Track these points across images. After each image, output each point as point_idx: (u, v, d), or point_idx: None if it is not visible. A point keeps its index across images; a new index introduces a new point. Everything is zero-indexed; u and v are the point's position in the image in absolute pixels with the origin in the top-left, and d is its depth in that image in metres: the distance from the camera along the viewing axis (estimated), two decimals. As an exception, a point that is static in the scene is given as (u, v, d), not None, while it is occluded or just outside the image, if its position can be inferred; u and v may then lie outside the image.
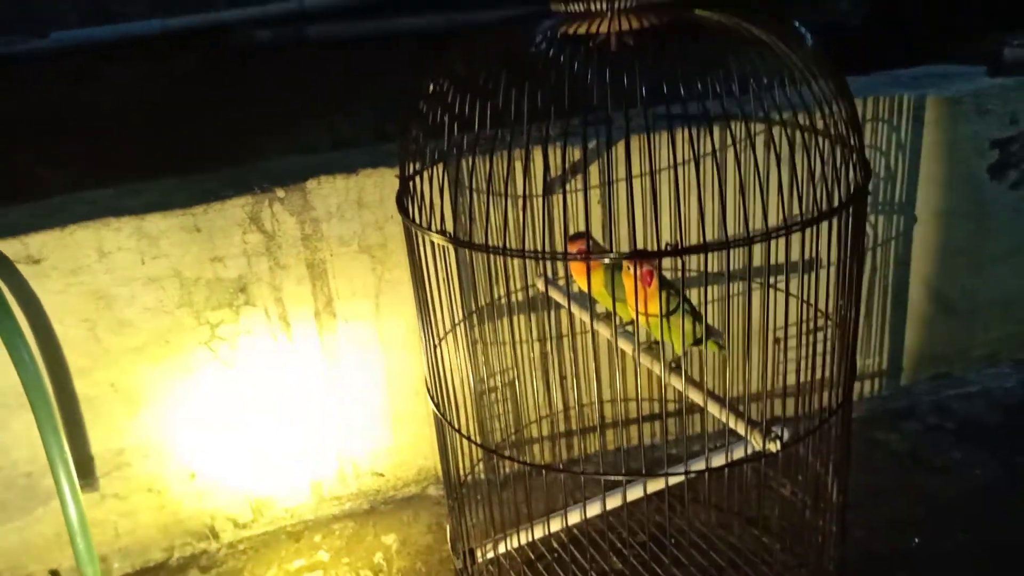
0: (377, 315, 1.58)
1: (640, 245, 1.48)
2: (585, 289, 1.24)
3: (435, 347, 1.26)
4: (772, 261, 1.04)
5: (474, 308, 1.48)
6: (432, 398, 1.29)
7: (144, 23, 2.70)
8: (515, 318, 1.56)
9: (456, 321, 1.33)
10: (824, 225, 1.03)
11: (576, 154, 1.49)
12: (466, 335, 1.43)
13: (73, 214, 1.41)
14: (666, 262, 1.50)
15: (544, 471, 1.28)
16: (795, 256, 1.11)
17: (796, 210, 1.02)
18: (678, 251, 0.98)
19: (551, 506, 1.38)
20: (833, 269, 1.11)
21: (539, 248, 1.03)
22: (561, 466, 1.67)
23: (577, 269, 1.24)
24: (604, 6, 1.03)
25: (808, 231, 1.00)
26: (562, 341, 1.62)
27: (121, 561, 1.57)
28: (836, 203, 1.03)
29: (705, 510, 1.53)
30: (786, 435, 1.09)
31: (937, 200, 1.76)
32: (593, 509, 1.30)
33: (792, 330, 1.50)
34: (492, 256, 1.04)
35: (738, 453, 1.15)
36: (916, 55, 1.98)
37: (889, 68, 1.89)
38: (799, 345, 1.37)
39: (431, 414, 1.34)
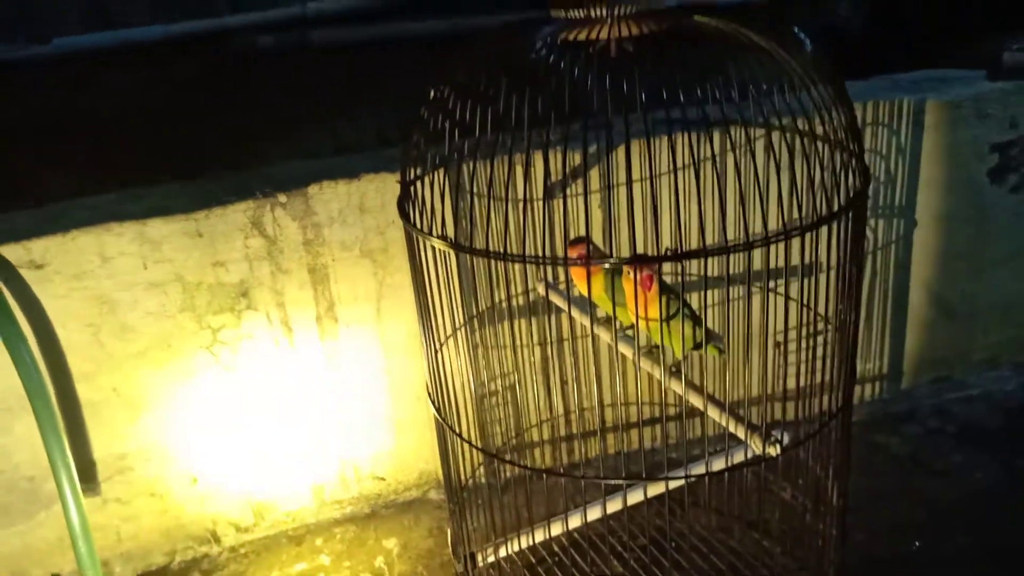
0: (378, 319, 1.59)
1: (640, 250, 1.49)
2: (585, 293, 1.24)
3: (436, 351, 1.27)
4: (772, 265, 1.04)
5: (475, 312, 1.49)
6: (433, 402, 1.30)
7: (146, 29, 2.71)
8: (516, 322, 1.56)
9: (457, 325, 1.33)
10: (824, 229, 1.03)
11: (576, 159, 1.49)
12: (467, 339, 1.43)
13: (75, 219, 1.41)
14: (666, 266, 1.50)
15: (545, 475, 1.28)
16: (795, 260, 1.11)
17: (796, 215, 1.02)
18: (678, 256, 0.98)
19: (552, 510, 1.38)
20: (833, 273, 1.12)
21: (540, 253, 1.03)
22: (562, 470, 1.67)
23: (577, 274, 1.25)
24: (604, 13, 1.04)
25: (808, 236, 1.01)
26: (563, 345, 1.63)
27: (123, 565, 1.57)
28: (836, 208, 1.04)
29: (705, 514, 1.53)
30: (786, 439, 1.10)
31: (937, 204, 1.77)
32: (594, 513, 1.30)
33: (792, 334, 1.50)
34: (493, 261, 1.05)
35: (738, 457, 1.16)
36: (916, 59, 1.99)
37: (889, 72, 1.89)
38: (799, 349, 1.37)
39: (432, 418, 1.34)
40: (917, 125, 1.71)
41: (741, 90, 1.00)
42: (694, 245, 1.46)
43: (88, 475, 1.49)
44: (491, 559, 1.39)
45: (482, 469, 1.45)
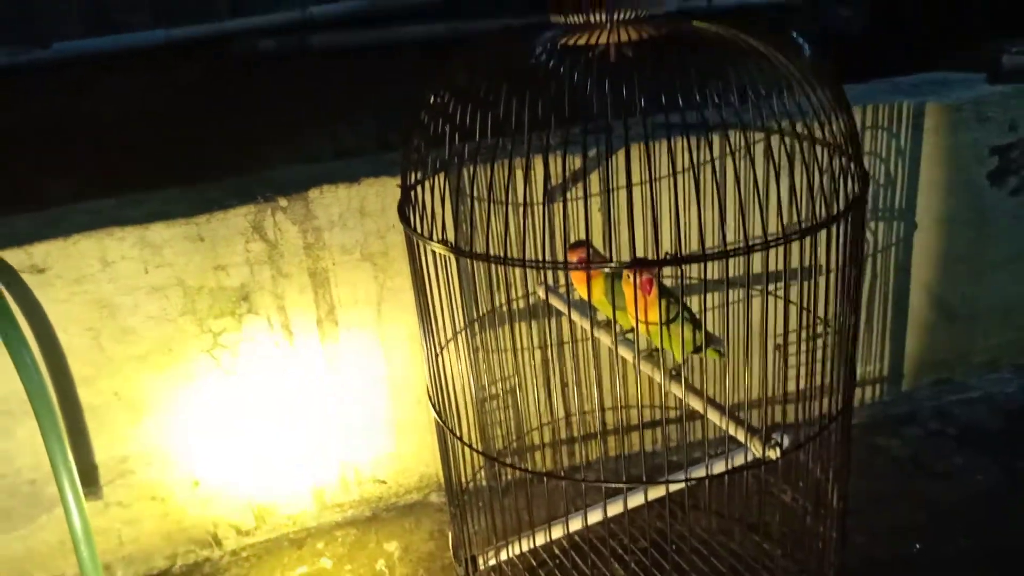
0: (379, 323, 1.59)
1: (640, 253, 1.49)
2: (586, 297, 1.25)
3: (436, 355, 1.27)
4: (771, 268, 1.04)
5: (475, 316, 1.49)
6: (434, 406, 1.30)
7: (147, 33, 2.72)
8: (516, 325, 1.57)
9: (458, 329, 1.33)
10: (823, 233, 1.03)
11: (576, 163, 1.49)
12: (467, 343, 1.43)
13: (77, 224, 1.42)
14: (666, 270, 1.50)
15: (545, 478, 1.29)
16: (794, 264, 1.12)
17: (795, 218, 1.03)
18: (677, 260, 0.99)
19: (552, 513, 1.39)
20: (832, 276, 1.12)
21: (540, 256, 1.04)
22: (562, 473, 1.67)
23: (577, 277, 1.25)
24: (603, 18, 1.04)
25: (807, 239, 1.01)
26: (563, 348, 1.63)
27: (125, 569, 1.57)
28: (835, 211, 1.04)
29: (706, 516, 1.54)
30: (786, 442, 1.10)
31: (937, 207, 1.77)
32: (594, 516, 1.31)
33: (792, 337, 1.51)
34: (493, 264, 1.05)
35: (738, 460, 1.16)
36: (916, 62, 1.99)
37: (889, 75, 1.90)
38: (799, 352, 1.37)
39: (433, 421, 1.35)
40: (917, 128, 1.71)
41: (740, 95, 1.00)
42: (694, 248, 1.46)
43: (89, 479, 1.49)
44: (492, 562, 1.40)
45: (483, 472, 1.46)
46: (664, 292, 1.14)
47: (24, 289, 1.38)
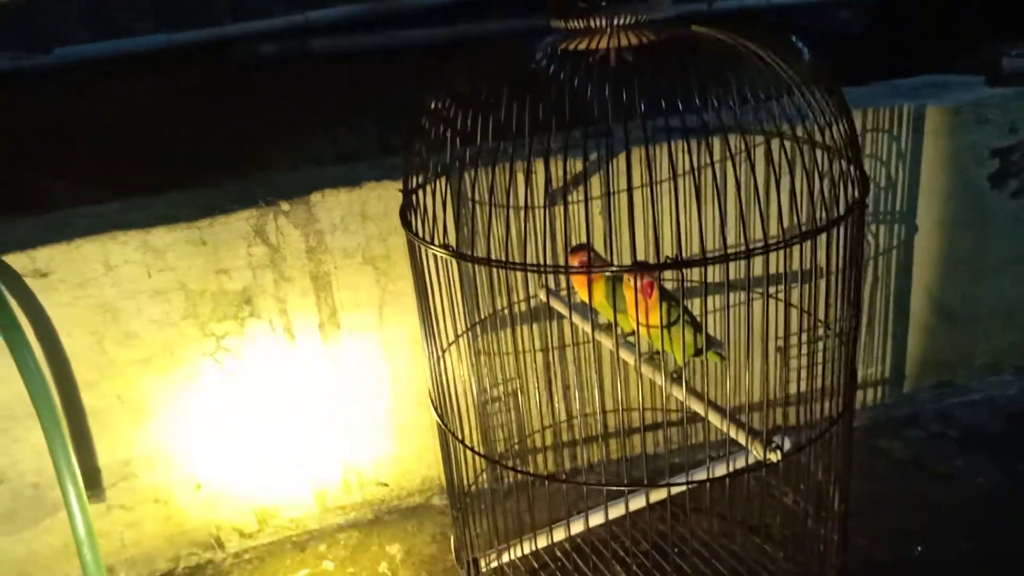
0: (381, 326, 1.59)
1: (641, 256, 1.49)
2: (587, 300, 1.25)
3: (438, 358, 1.27)
4: (772, 271, 1.05)
5: (477, 319, 1.49)
6: (435, 409, 1.30)
7: (149, 38, 2.72)
8: (518, 328, 1.57)
9: (459, 332, 1.34)
10: (823, 236, 1.04)
11: (577, 166, 1.50)
12: (469, 346, 1.44)
13: (80, 228, 1.42)
14: (667, 273, 1.51)
15: (547, 481, 1.29)
16: (795, 266, 1.12)
17: (795, 221, 1.03)
18: (678, 264, 0.99)
19: (554, 515, 1.39)
20: (833, 279, 1.12)
21: (541, 260, 1.04)
22: (564, 476, 1.67)
23: (578, 281, 1.26)
24: (604, 23, 1.05)
25: (807, 243, 1.01)
26: (565, 351, 1.63)
27: (127, 571, 1.57)
28: (835, 215, 1.04)
29: (707, 519, 1.54)
30: (787, 444, 1.10)
31: (938, 209, 1.77)
32: (596, 518, 1.31)
33: (792, 340, 1.51)
34: (495, 268, 1.05)
35: (740, 463, 1.16)
36: (916, 65, 1.99)
37: (889, 78, 1.90)
38: (800, 355, 1.37)
39: (434, 424, 1.35)
40: (917, 131, 1.71)
41: (740, 99, 1.01)
42: (694, 251, 1.46)
43: (93, 482, 1.49)
44: (494, 564, 1.40)
45: (485, 475, 1.46)
46: (665, 295, 1.14)
47: (27, 293, 1.38)
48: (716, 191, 1.00)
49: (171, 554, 1.60)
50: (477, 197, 1.48)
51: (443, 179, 1.16)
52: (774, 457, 1.09)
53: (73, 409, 1.45)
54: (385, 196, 1.52)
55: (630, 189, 1.12)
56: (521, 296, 1.55)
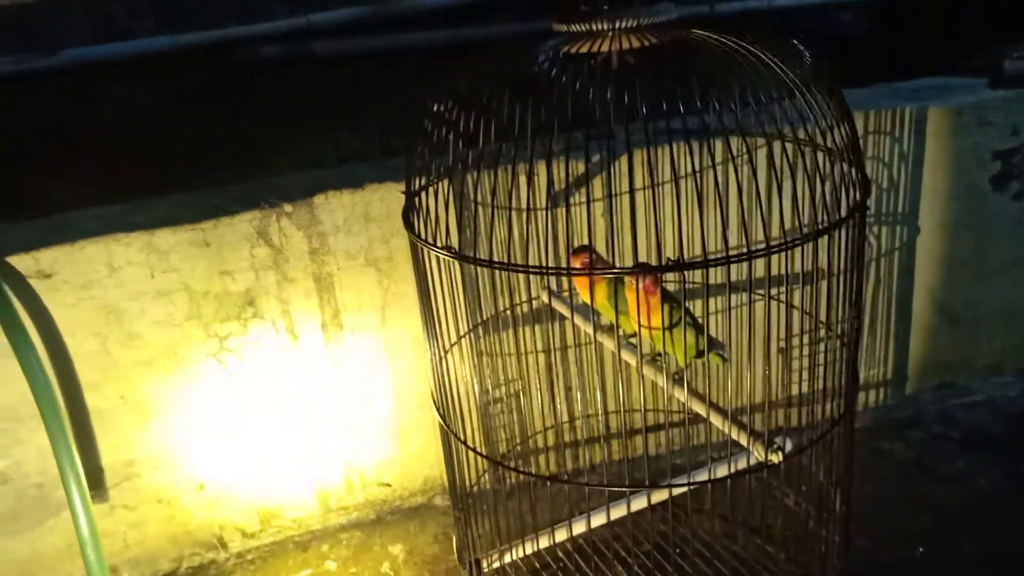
0: (383, 327, 1.60)
1: (643, 258, 1.50)
2: (589, 302, 1.25)
3: (441, 359, 1.28)
4: (774, 273, 1.05)
5: (479, 320, 1.50)
6: (438, 410, 1.31)
7: (152, 40, 2.73)
8: (520, 330, 1.57)
9: (461, 333, 1.34)
10: (824, 238, 1.04)
11: (579, 168, 1.50)
12: (471, 347, 1.44)
13: (83, 230, 1.43)
14: (668, 275, 1.51)
15: (549, 481, 1.29)
16: (796, 268, 1.12)
17: (797, 223, 1.03)
18: (680, 266, 1.00)
19: (556, 516, 1.39)
20: (834, 281, 1.13)
21: (543, 262, 1.04)
22: (566, 477, 1.68)
23: (580, 282, 1.26)
24: (606, 26, 1.05)
25: (808, 245, 1.01)
26: (567, 353, 1.63)
27: (130, 571, 1.58)
28: (836, 217, 1.05)
29: (709, 520, 1.54)
30: (788, 446, 1.10)
31: (940, 211, 1.78)
32: (598, 519, 1.31)
33: (794, 341, 1.51)
34: (497, 270, 1.06)
35: (741, 464, 1.16)
36: (918, 67, 1.99)
37: (891, 80, 1.90)
38: (801, 356, 1.38)
39: (437, 425, 1.35)
40: (919, 133, 1.71)
41: (741, 101, 1.01)
42: (696, 253, 1.47)
43: (96, 482, 1.50)
44: (496, 565, 1.40)
45: (487, 475, 1.46)
46: (667, 297, 1.15)
47: (31, 294, 1.39)
48: (718, 193, 1.00)
49: (174, 554, 1.60)
50: (479, 199, 1.49)
51: (445, 181, 1.16)
52: (775, 458, 1.09)
53: (77, 410, 1.46)
54: (388, 198, 1.53)
55: (632, 191, 1.13)
56: (523, 297, 1.56)
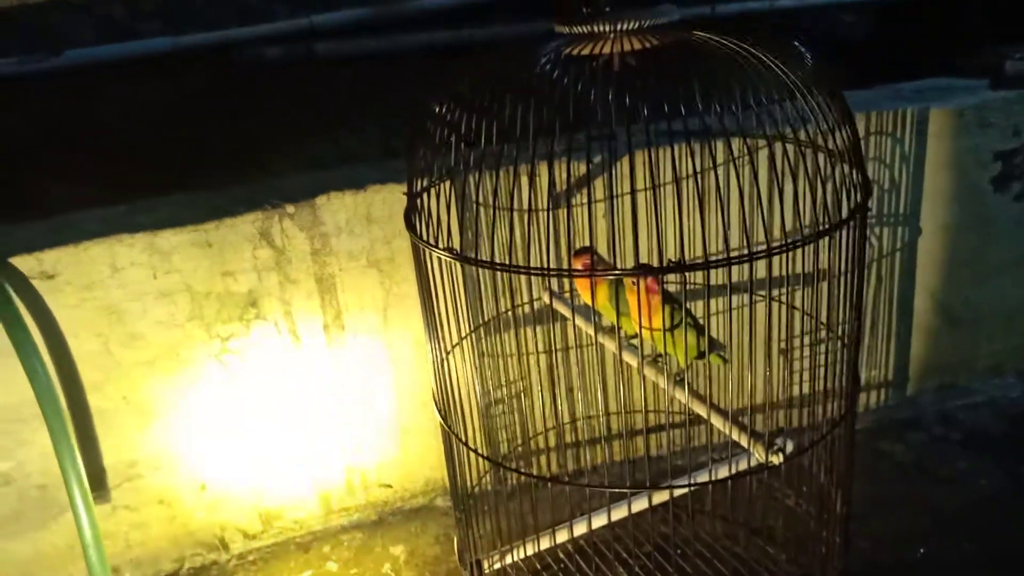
0: (385, 328, 1.60)
1: (644, 259, 1.50)
2: (590, 303, 1.26)
3: (442, 360, 1.28)
4: (775, 274, 1.05)
5: (481, 321, 1.50)
6: (439, 411, 1.31)
7: (155, 41, 2.73)
8: (522, 331, 1.58)
9: (463, 334, 1.34)
10: (825, 240, 1.04)
11: (581, 169, 1.50)
12: (473, 348, 1.44)
13: (87, 230, 1.43)
14: (670, 276, 1.51)
15: (550, 483, 1.29)
16: (797, 270, 1.12)
17: (798, 224, 1.04)
18: (681, 267, 1.00)
19: (557, 517, 1.39)
20: (835, 282, 1.13)
21: (545, 262, 1.05)
22: (567, 478, 1.68)
23: (581, 284, 1.26)
24: (607, 28, 1.06)
25: (809, 246, 1.02)
26: (568, 354, 1.64)
27: (132, 572, 1.58)
28: (837, 219, 1.05)
29: (710, 521, 1.54)
30: (789, 447, 1.10)
31: (941, 212, 1.78)
32: (599, 520, 1.31)
33: (795, 342, 1.51)
34: (498, 271, 1.06)
35: (742, 465, 1.16)
36: (919, 68, 2.00)
37: (892, 81, 1.90)
38: (802, 357, 1.38)
39: (438, 426, 1.36)
40: (920, 134, 1.72)
41: (742, 103, 1.01)
42: (697, 254, 1.47)
43: (98, 483, 1.50)
44: (497, 566, 1.40)
45: (488, 476, 1.47)
46: (668, 298, 1.15)
47: (34, 295, 1.39)
48: (719, 195, 1.01)
49: (176, 555, 1.60)
50: (481, 200, 1.49)
51: (447, 182, 1.17)
52: (776, 459, 1.09)
53: (79, 410, 1.46)
54: (390, 199, 1.53)
55: (633, 192, 1.13)
56: (525, 298, 1.56)
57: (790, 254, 1.01)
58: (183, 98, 2.71)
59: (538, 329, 1.60)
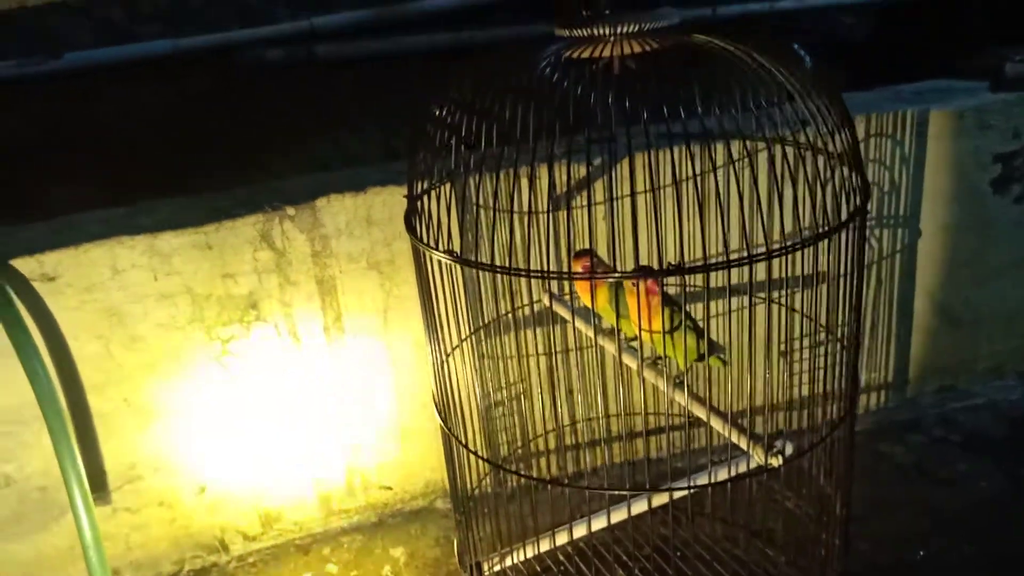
0: (385, 330, 1.60)
1: (644, 261, 1.50)
2: (590, 305, 1.26)
3: (442, 362, 1.28)
4: (774, 276, 1.05)
5: (481, 323, 1.50)
6: (439, 413, 1.31)
7: (156, 43, 2.74)
8: (522, 333, 1.58)
9: (463, 336, 1.34)
10: (825, 242, 1.04)
11: (581, 171, 1.51)
12: (473, 350, 1.44)
13: (87, 232, 1.43)
14: (669, 278, 1.51)
15: (550, 485, 1.30)
16: (797, 272, 1.12)
17: (798, 227, 1.04)
18: (680, 270, 1.00)
19: (557, 519, 1.39)
20: (835, 284, 1.13)
21: (545, 265, 1.05)
22: (567, 480, 1.68)
23: (581, 286, 1.26)
24: (607, 31, 1.06)
25: (808, 249, 1.02)
26: (568, 356, 1.64)
27: (132, 574, 1.58)
28: (837, 221, 1.05)
29: (710, 523, 1.54)
30: (789, 449, 1.11)
31: (941, 214, 1.78)
32: (599, 522, 1.31)
33: (795, 345, 1.51)
34: (499, 274, 1.06)
35: (742, 467, 1.16)
36: (919, 70, 2.00)
37: (892, 83, 1.91)
38: (802, 359, 1.38)
39: (438, 428, 1.36)
40: (920, 136, 1.72)
41: (742, 105, 1.01)
42: (697, 256, 1.47)
43: (98, 485, 1.50)
44: (497, 568, 1.41)
45: (488, 479, 1.47)
46: (667, 300, 1.15)
47: (35, 297, 1.39)
48: (719, 197, 1.01)
49: (176, 557, 1.60)
50: (481, 202, 1.49)
51: (447, 184, 1.17)
52: (776, 462, 1.09)
53: (79, 412, 1.46)
54: (390, 201, 1.53)
55: (633, 194, 1.13)
56: (524, 300, 1.56)
57: (790, 256, 1.01)
58: (183, 100, 2.71)
59: (538, 331, 1.60)
